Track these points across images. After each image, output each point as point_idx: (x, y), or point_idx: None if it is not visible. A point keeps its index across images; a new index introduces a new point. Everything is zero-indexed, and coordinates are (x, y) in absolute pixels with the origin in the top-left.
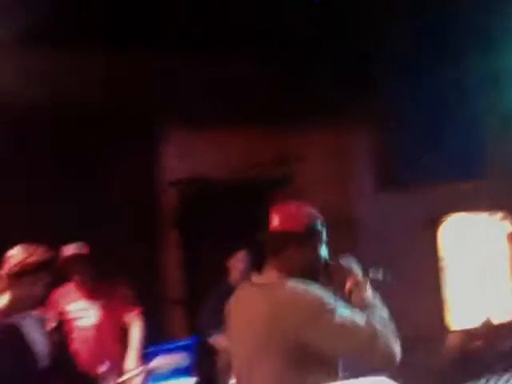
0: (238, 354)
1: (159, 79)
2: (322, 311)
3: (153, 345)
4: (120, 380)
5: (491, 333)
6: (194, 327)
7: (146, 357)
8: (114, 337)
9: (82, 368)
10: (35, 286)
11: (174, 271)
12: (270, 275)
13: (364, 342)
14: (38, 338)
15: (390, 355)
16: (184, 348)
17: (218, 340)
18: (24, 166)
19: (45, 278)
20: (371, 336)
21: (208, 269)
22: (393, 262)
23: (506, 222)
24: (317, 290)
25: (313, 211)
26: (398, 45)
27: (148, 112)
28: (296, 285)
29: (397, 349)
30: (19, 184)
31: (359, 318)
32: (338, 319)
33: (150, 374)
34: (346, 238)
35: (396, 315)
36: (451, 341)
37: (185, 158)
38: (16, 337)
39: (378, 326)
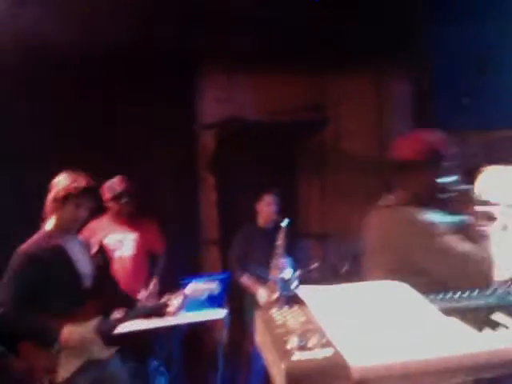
0: (365, 256)
1: (199, 21)
2: (430, 236)
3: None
4: (161, 301)
5: None
6: (226, 266)
7: (181, 286)
8: (146, 267)
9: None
10: (79, 210)
11: (210, 212)
12: (391, 200)
13: (459, 267)
14: (81, 259)
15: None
16: (216, 280)
17: (244, 278)
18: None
19: (88, 203)
20: (471, 263)
21: (241, 211)
22: None
23: None
24: (429, 216)
25: (435, 141)
26: None
27: (187, 54)
28: (410, 211)
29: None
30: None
31: (465, 246)
32: (444, 244)
33: (185, 299)
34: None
35: None
36: None
37: (223, 102)
38: (61, 256)
39: (481, 256)
